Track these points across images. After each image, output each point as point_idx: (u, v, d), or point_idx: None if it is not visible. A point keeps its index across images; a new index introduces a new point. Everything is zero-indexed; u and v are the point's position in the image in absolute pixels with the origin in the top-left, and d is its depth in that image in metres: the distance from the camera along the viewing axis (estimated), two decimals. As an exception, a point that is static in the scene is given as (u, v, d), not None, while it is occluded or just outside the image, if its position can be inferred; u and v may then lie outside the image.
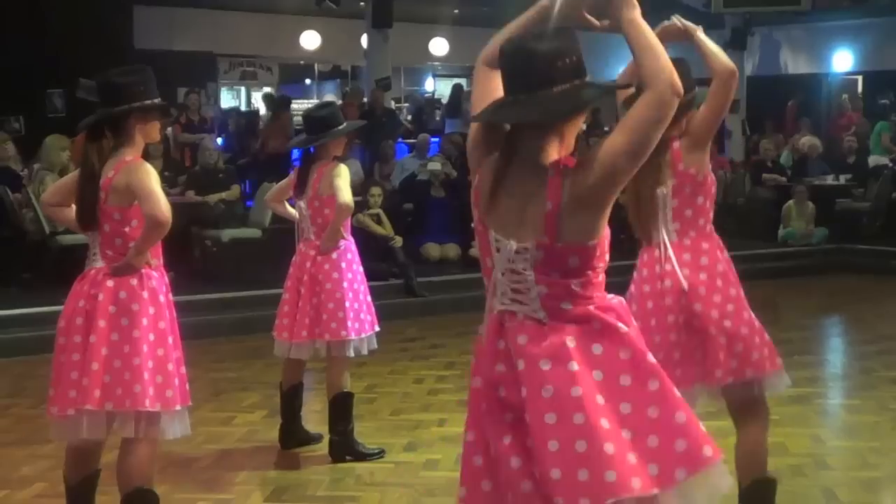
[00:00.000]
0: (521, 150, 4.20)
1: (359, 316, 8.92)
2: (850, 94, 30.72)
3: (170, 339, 6.61)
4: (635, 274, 6.63)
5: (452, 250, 17.68)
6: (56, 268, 12.61)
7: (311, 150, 9.14)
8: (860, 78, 31.44)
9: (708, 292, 6.46)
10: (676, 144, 6.47)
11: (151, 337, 6.51)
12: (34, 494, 8.19)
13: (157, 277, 6.65)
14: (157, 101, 6.78)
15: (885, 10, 26.40)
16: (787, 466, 8.70)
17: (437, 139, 21.73)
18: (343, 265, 8.93)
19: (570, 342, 4.13)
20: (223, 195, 16.79)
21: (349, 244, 9.04)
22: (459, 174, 18.01)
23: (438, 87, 33.44)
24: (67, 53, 16.07)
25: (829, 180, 22.55)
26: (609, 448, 4.03)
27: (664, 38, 4.49)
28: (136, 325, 6.48)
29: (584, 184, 4.08)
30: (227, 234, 16.27)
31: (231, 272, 15.27)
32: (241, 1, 26.35)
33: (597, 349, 4.15)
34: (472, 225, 4.35)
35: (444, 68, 33.75)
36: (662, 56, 4.20)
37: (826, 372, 12.85)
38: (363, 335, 8.96)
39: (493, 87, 4.29)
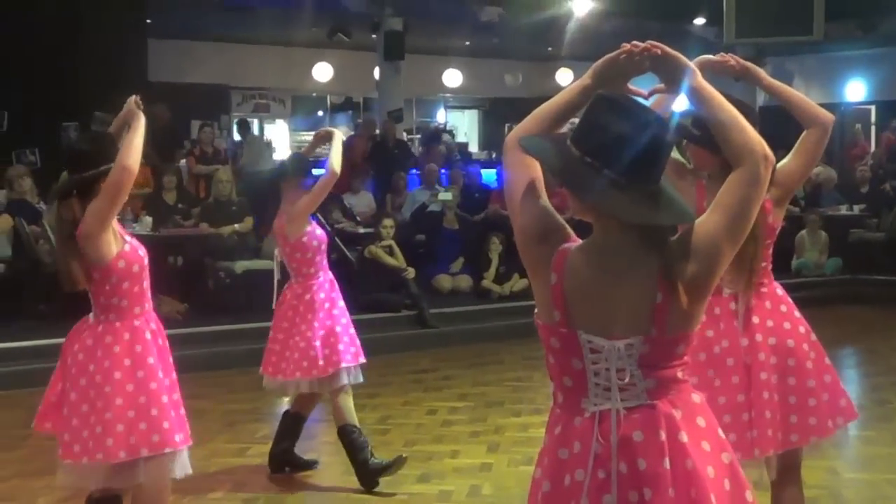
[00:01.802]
0: (624, 243, 3.99)
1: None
2: (863, 123, 30.79)
3: (153, 385, 6.63)
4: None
5: (464, 282, 17.69)
6: (71, 300, 12.62)
7: None
8: (873, 108, 31.48)
9: (798, 344, 6.42)
10: (766, 197, 6.34)
11: (129, 388, 6.55)
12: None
13: (140, 325, 6.69)
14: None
15: (896, 40, 26.47)
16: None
17: (445, 170, 21.76)
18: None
19: (683, 437, 4.00)
20: (236, 227, 16.81)
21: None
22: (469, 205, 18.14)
23: (450, 119, 33.51)
24: (81, 86, 16.04)
25: (843, 210, 22.54)
26: None
27: (702, 68, 4.32)
28: (108, 380, 6.52)
29: (690, 273, 3.94)
30: (240, 265, 16.29)
31: (244, 303, 15.28)
32: (254, 34, 26.41)
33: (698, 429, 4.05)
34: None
35: (456, 100, 33.82)
36: (748, 128, 4.04)
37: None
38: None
39: (527, 175, 4.10)
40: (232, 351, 13.64)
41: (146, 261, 6.76)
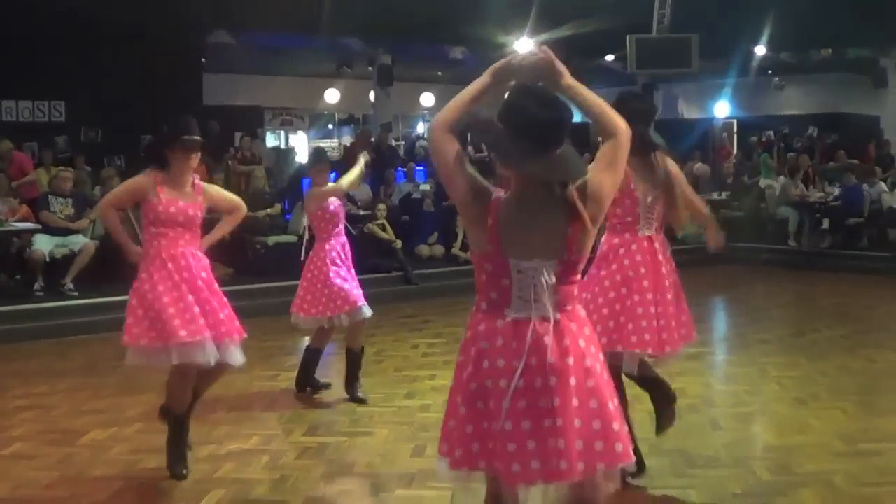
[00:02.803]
0: (539, 193, 4.05)
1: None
2: (728, 133, 30.95)
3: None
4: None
5: (438, 250, 17.74)
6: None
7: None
8: (735, 121, 31.60)
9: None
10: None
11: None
12: (135, 430, 8.23)
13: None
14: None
15: (752, 71, 26.53)
16: (685, 405, 8.69)
17: (422, 167, 21.85)
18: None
19: (581, 342, 4.09)
20: (269, 211, 16.79)
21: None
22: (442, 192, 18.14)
23: (427, 130, 33.50)
24: (154, 109, 16.10)
25: (714, 195, 22.64)
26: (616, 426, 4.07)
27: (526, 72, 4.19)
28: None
29: (593, 212, 4.05)
30: (272, 239, 16.29)
31: (275, 267, 15.28)
32: (281, 68, 26.38)
33: (586, 337, 4.13)
34: (468, 253, 4.25)
35: (431, 115, 33.80)
36: (611, 111, 4.18)
37: (713, 336, 12.90)
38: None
39: (453, 149, 4.07)
40: (267, 303, 13.63)
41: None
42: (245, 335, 6.95)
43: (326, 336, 9.40)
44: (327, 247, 8.99)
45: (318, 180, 9.07)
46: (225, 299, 6.96)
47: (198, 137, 6.90)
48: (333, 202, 9.04)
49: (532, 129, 3.97)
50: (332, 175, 9.36)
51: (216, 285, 6.97)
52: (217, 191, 7.33)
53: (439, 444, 4.19)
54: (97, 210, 7.00)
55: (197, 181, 7.02)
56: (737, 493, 6.47)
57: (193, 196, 6.95)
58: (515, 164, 4.03)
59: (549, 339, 4.02)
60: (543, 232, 4.04)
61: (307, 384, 9.45)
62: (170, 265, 6.80)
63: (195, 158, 6.96)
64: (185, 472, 6.94)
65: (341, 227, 9.18)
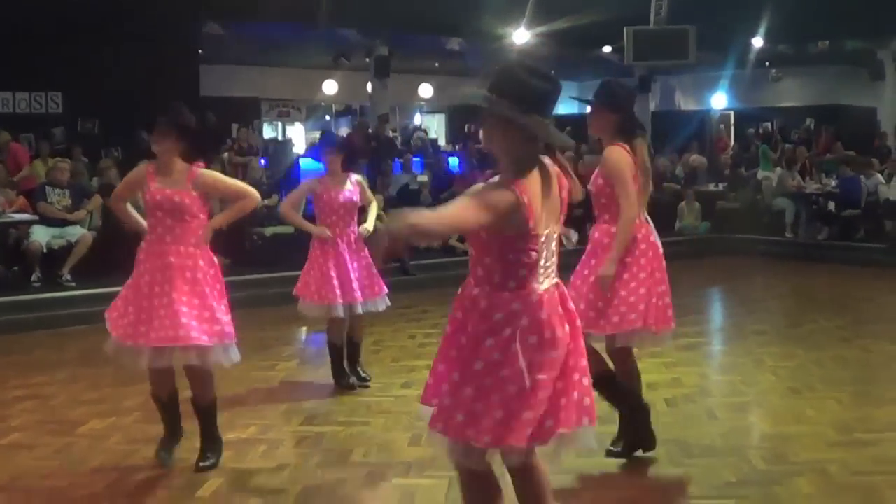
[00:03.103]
0: (536, 164, 4.15)
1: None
2: (725, 124, 30.99)
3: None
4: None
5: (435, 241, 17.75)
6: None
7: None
8: (732, 113, 31.62)
9: None
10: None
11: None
12: (133, 420, 8.26)
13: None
14: None
15: (749, 63, 26.55)
16: (681, 395, 8.80)
17: (419, 158, 21.91)
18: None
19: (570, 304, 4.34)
20: (266, 202, 16.78)
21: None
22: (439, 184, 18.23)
23: (424, 121, 33.47)
24: (151, 101, 16.14)
25: (711, 187, 22.71)
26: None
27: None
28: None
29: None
30: (269, 230, 16.33)
31: (272, 258, 15.30)
32: (279, 59, 26.38)
33: None
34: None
35: (428, 106, 33.79)
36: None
37: (710, 327, 12.93)
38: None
39: (468, 219, 4.02)
40: (264, 293, 13.68)
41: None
42: (205, 340, 6.62)
43: (342, 326, 9.22)
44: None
45: (331, 165, 9.00)
46: (204, 301, 6.67)
47: (164, 119, 6.78)
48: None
49: (538, 100, 4.06)
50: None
51: (203, 284, 6.70)
52: (214, 177, 6.94)
53: (510, 434, 4.11)
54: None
55: (193, 168, 6.79)
56: (732, 481, 6.50)
57: (182, 183, 6.76)
58: (541, 130, 4.10)
59: (571, 304, 4.30)
60: (551, 199, 4.15)
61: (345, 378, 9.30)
62: (142, 266, 6.80)
63: (166, 143, 6.76)
64: (164, 455, 7.00)
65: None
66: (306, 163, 20.26)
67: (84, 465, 7.13)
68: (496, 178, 4.19)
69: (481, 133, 4.34)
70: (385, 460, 7.02)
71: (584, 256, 6.76)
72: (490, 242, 4.14)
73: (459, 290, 4.36)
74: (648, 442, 6.89)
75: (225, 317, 6.71)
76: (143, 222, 6.88)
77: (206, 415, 6.95)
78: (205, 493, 6.46)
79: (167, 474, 6.85)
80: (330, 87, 28.93)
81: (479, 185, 4.13)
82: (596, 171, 6.71)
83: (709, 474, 6.63)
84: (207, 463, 6.82)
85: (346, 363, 9.27)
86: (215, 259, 6.84)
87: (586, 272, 6.65)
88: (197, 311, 6.62)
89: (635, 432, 6.86)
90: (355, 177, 8.98)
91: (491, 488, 4.36)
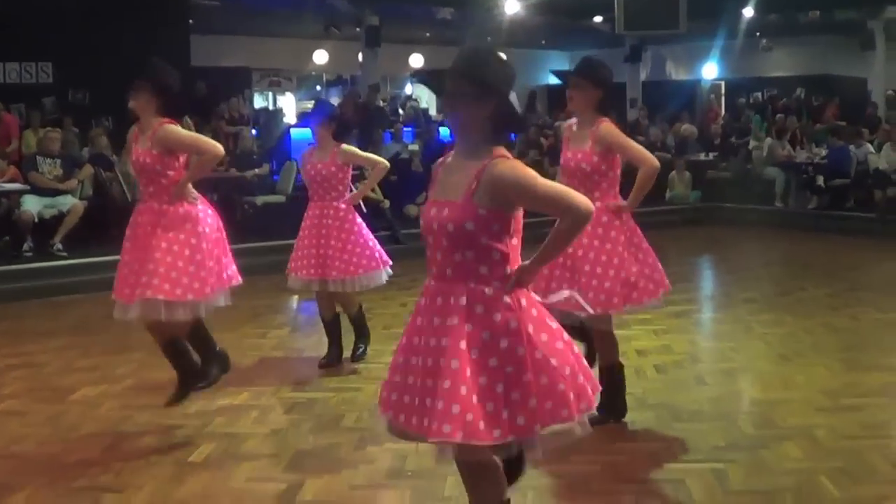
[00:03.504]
0: None
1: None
2: (716, 94, 30.99)
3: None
4: None
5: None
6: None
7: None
8: (723, 83, 31.61)
9: None
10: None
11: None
12: (125, 387, 8.31)
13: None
14: None
15: (740, 33, 26.54)
16: (671, 361, 8.86)
17: (410, 127, 21.95)
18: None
19: None
20: (257, 171, 16.84)
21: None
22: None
23: (415, 91, 33.40)
24: (140, 70, 16.10)
25: (702, 156, 22.75)
26: None
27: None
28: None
29: None
30: (260, 199, 16.36)
31: (263, 227, 15.34)
32: (270, 28, 26.31)
33: None
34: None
35: (419, 77, 33.72)
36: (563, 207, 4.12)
37: (700, 294, 12.97)
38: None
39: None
40: (256, 262, 13.66)
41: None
42: (165, 293, 6.60)
43: (333, 301, 9.15)
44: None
45: (322, 137, 8.83)
46: (162, 255, 6.63)
47: (140, 76, 6.81)
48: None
49: (510, 81, 4.17)
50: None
51: (186, 239, 6.68)
52: (173, 131, 6.73)
53: (545, 414, 4.05)
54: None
55: (155, 125, 6.72)
56: (720, 445, 6.55)
57: (146, 140, 6.75)
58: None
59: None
60: None
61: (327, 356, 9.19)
62: (129, 227, 6.87)
63: (141, 99, 6.76)
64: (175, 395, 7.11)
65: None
66: (297, 133, 20.26)
67: (77, 431, 7.17)
68: (450, 157, 4.28)
69: (446, 108, 4.24)
70: (377, 425, 7.04)
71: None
72: (509, 236, 4.12)
73: (424, 300, 4.25)
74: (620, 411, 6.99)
75: (203, 271, 6.68)
76: (124, 191, 6.92)
77: (192, 341, 7.07)
78: (197, 458, 6.50)
79: (160, 440, 6.89)
80: (321, 56, 28.85)
81: (510, 167, 4.07)
82: (583, 150, 6.66)
83: (698, 439, 6.68)
84: (199, 384, 7.00)
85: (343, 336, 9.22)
86: (197, 211, 6.78)
87: (591, 254, 6.62)
88: (167, 267, 6.61)
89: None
90: (343, 147, 8.81)
91: (499, 470, 4.35)
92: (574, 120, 6.88)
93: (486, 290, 4.05)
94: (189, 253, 6.63)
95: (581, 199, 4.11)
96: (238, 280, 6.97)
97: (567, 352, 4.15)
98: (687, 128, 23.99)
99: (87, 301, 12.03)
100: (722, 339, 10.02)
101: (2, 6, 18.10)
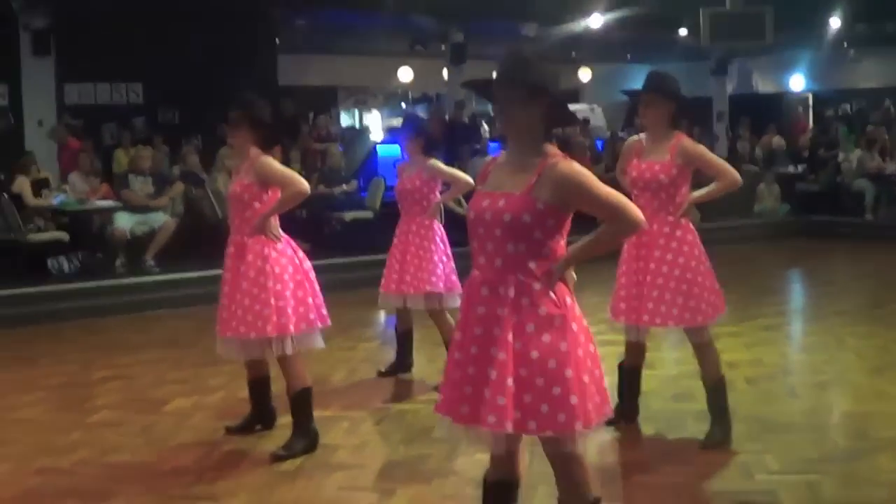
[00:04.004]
0: None
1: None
2: (803, 106, 30.68)
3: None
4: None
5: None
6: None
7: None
8: (810, 95, 31.30)
9: None
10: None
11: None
12: (217, 399, 8.42)
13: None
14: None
15: (827, 44, 26.26)
16: (762, 373, 8.79)
17: (496, 143, 22.01)
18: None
19: None
20: (345, 187, 16.93)
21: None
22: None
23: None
24: (229, 91, 16.36)
25: (790, 169, 22.53)
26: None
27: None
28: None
29: None
30: (349, 215, 16.44)
31: (351, 243, 15.44)
32: (355, 47, 26.44)
33: None
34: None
35: (468, 86, 33.76)
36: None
37: (790, 307, 12.89)
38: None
39: None
40: (344, 277, 13.77)
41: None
42: (243, 331, 6.70)
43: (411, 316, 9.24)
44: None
45: (413, 152, 8.86)
46: (249, 293, 6.69)
47: (236, 112, 6.86)
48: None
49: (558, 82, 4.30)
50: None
51: (248, 276, 6.71)
52: (267, 163, 6.80)
53: (586, 412, 4.11)
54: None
55: (253, 156, 6.83)
56: (813, 457, 6.48)
57: (242, 171, 6.90)
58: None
59: None
60: None
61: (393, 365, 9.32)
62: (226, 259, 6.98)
63: (232, 133, 6.93)
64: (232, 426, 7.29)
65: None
66: (383, 149, 20.37)
67: (170, 441, 7.27)
68: (503, 156, 4.37)
69: (498, 113, 4.36)
70: (464, 438, 7.05)
71: (632, 251, 6.74)
72: (548, 225, 4.16)
73: (469, 291, 4.31)
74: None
75: (267, 309, 6.66)
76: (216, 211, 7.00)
77: (291, 404, 7.00)
78: (290, 467, 6.56)
79: (253, 450, 6.96)
80: (406, 74, 28.97)
81: (573, 168, 4.15)
82: (661, 162, 6.61)
83: (789, 450, 6.62)
84: (280, 452, 6.79)
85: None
86: (271, 249, 6.77)
87: (653, 266, 6.60)
88: (237, 305, 6.72)
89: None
90: (430, 161, 8.80)
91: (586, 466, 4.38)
92: (643, 135, 6.84)
93: (535, 284, 4.13)
94: (257, 292, 6.66)
95: (635, 210, 4.21)
96: (327, 322, 6.96)
97: (596, 356, 4.25)
98: (775, 140, 23.79)
99: (178, 315, 12.20)
100: (813, 352, 9.91)
101: (93, 28, 18.40)
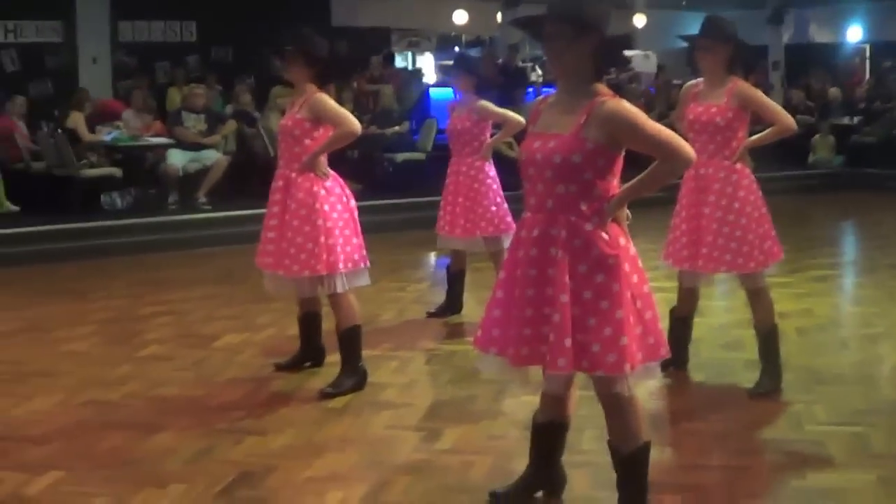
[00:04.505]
0: None
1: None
2: (860, 57, 30.29)
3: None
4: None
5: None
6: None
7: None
8: (868, 46, 30.90)
9: None
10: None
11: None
12: (267, 336, 8.46)
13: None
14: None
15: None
16: (813, 325, 8.71)
17: (551, 88, 21.83)
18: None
19: None
20: (397, 128, 16.91)
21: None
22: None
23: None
24: (282, 29, 16.33)
25: (846, 120, 22.28)
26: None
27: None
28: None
29: None
30: (400, 156, 16.44)
31: (403, 184, 15.44)
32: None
33: None
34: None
35: (515, 23, 33.53)
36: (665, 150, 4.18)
37: (843, 259, 12.78)
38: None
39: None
40: (395, 218, 13.79)
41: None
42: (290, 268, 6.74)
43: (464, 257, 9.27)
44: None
45: (465, 86, 8.80)
46: (301, 230, 6.69)
47: (292, 47, 6.80)
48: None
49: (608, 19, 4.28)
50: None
51: (299, 214, 6.70)
52: (323, 101, 6.75)
53: (633, 354, 4.14)
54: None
55: (308, 93, 6.80)
56: (862, 409, 6.41)
57: (297, 106, 6.87)
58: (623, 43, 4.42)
59: None
60: None
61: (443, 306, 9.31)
62: (270, 193, 6.97)
63: (295, 70, 6.82)
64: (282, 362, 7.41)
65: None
66: (436, 92, 20.28)
67: (220, 376, 7.31)
68: (553, 97, 4.38)
69: (547, 52, 4.34)
70: (515, 378, 7.05)
71: (690, 196, 6.67)
72: (599, 164, 4.14)
73: (522, 232, 4.31)
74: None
75: (318, 247, 6.67)
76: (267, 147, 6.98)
77: (340, 342, 7.01)
78: (337, 404, 6.57)
79: (301, 387, 6.99)
80: (460, 17, 28.76)
81: (622, 105, 4.12)
82: (718, 105, 6.54)
83: (838, 401, 6.56)
84: (328, 389, 6.81)
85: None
86: (320, 187, 6.75)
87: (707, 210, 6.55)
88: (288, 242, 6.74)
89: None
90: (480, 102, 8.69)
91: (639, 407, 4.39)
92: (700, 80, 6.78)
93: (587, 224, 4.12)
94: (308, 230, 6.66)
95: (687, 146, 4.18)
96: (367, 263, 6.95)
97: (651, 297, 4.25)
98: (831, 91, 23.52)
99: (230, 253, 12.24)
100: (865, 304, 9.80)
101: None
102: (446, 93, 14.92)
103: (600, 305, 4.06)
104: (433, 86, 21.76)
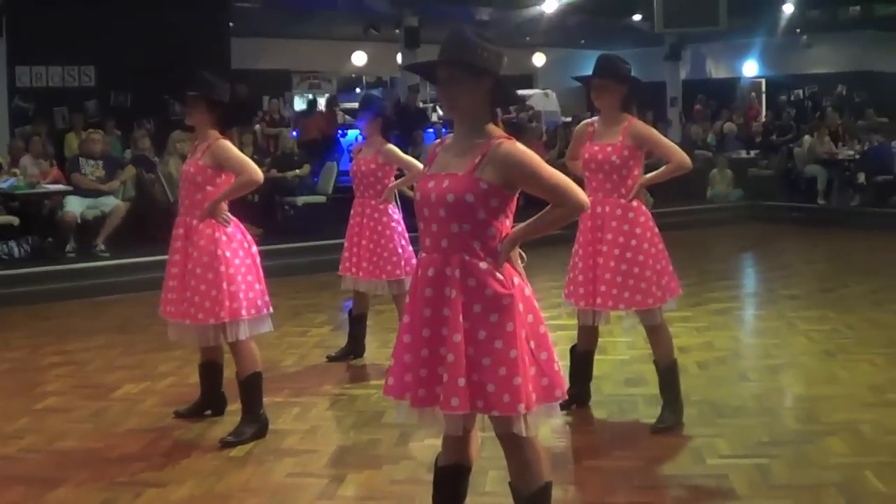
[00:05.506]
0: None
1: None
2: (756, 92, 30.81)
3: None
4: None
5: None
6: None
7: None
8: (763, 80, 31.45)
9: None
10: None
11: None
12: (167, 385, 8.31)
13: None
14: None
15: (780, 30, 26.35)
16: (713, 358, 8.79)
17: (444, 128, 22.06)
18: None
19: None
20: (297, 172, 16.84)
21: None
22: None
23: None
24: (181, 74, 16.19)
25: (743, 154, 22.65)
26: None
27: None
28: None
29: None
30: (301, 199, 16.37)
31: (303, 228, 15.37)
32: (309, 31, 26.34)
33: None
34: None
35: (409, 69, 33.77)
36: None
37: (742, 292, 12.92)
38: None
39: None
40: (296, 262, 13.71)
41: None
42: (198, 318, 6.64)
43: (366, 300, 9.21)
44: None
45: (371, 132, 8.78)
46: (204, 278, 6.61)
47: (193, 91, 6.73)
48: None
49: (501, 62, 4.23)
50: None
51: (201, 262, 6.63)
52: (224, 148, 6.71)
53: (529, 394, 4.12)
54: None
55: (210, 139, 6.73)
56: (764, 441, 6.48)
57: (199, 151, 6.80)
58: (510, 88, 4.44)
59: None
60: None
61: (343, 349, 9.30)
62: (171, 241, 6.89)
63: (196, 114, 6.76)
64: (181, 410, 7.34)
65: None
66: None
67: (119, 427, 7.18)
68: (449, 139, 4.34)
69: (441, 95, 4.31)
70: (432, 424, 7.02)
71: (587, 234, 6.73)
72: (492, 205, 4.13)
73: (417, 272, 4.30)
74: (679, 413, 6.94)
75: (221, 294, 6.58)
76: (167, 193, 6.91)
77: (241, 389, 6.92)
78: (239, 453, 6.49)
79: (202, 436, 6.89)
80: (360, 58, 28.85)
81: (518, 149, 4.13)
82: (613, 144, 6.59)
83: (741, 434, 6.62)
84: (229, 438, 6.70)
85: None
86: (221, 233, 6.67)
87: (605, 248, 6.60)
88: (192, 291, 6.65)
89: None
90: (386, 146, 8.67)
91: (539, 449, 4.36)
92: (595, 118, 6.84)
93: (481, 264, 4.12)
94: (211, 277, 6.58)
95: (580, 193, 4.21)
96: (270, 309, 6.87)
97: (547, 338, 4.23)
98: (727, 126, 23.89)
99: (129, 301, 12.09)
100: (765, 336, 9.93)
101: (45, 11, 18.22)
102: (350, 134, 14.97)
103: (494, 345, 4.05)
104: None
